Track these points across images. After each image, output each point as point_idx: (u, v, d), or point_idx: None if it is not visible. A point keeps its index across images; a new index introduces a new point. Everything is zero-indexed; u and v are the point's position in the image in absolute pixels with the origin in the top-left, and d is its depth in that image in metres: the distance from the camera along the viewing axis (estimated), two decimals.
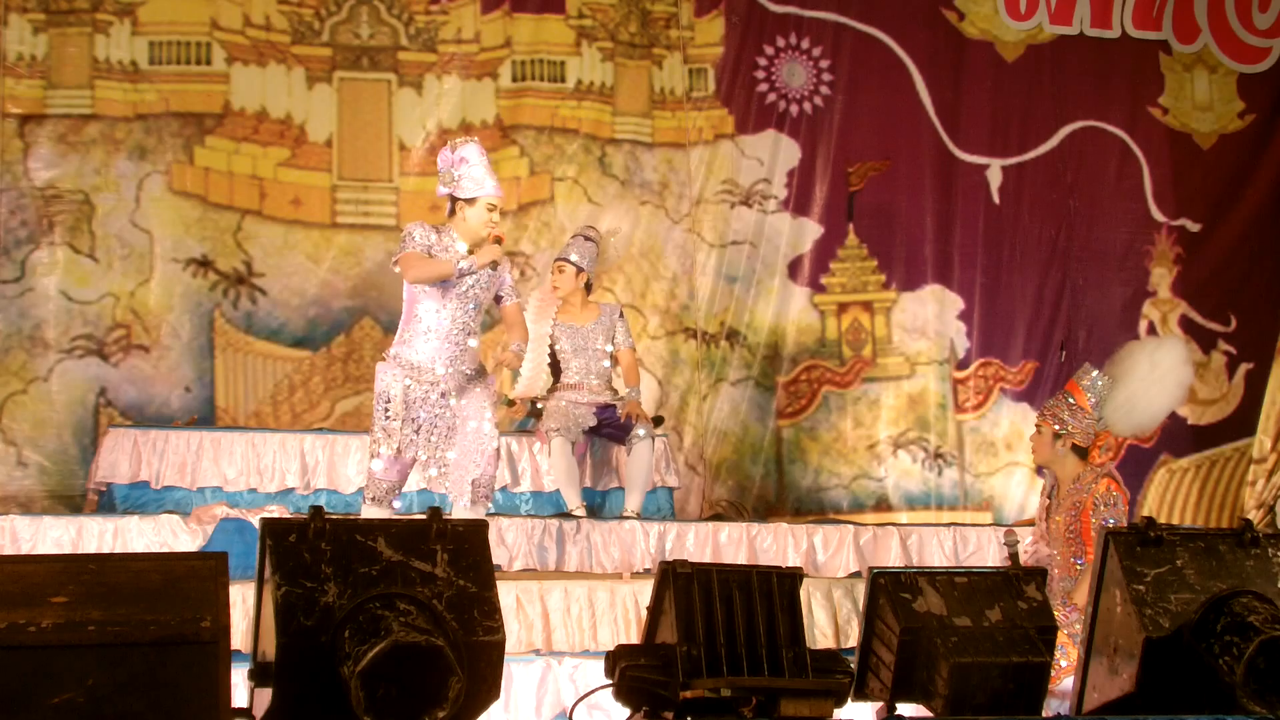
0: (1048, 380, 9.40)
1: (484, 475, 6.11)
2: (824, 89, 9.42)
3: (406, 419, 6.06)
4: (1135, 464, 9.38)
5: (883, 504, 9.21)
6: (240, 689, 3.10)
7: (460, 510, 6.05)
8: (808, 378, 9.31)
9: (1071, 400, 6.06)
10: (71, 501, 7.92)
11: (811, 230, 9.38)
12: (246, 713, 3.02)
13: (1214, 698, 3.37)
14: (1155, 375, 6.17)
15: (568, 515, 7.31)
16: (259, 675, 3.02)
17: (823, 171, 9.38)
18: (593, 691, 3.76)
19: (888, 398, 9.37)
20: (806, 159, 9.37)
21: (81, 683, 2.65)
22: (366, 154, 8.80)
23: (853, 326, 9.41)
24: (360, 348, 8.64)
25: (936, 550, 7.70)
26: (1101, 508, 5.81)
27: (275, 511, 6.85)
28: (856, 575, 7.30)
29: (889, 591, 3.58)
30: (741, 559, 7.31)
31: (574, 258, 7.72)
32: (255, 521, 6.14)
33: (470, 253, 6.11)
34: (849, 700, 3.58)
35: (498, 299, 6.35)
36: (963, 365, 9.48)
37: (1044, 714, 3.63)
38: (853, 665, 3.64)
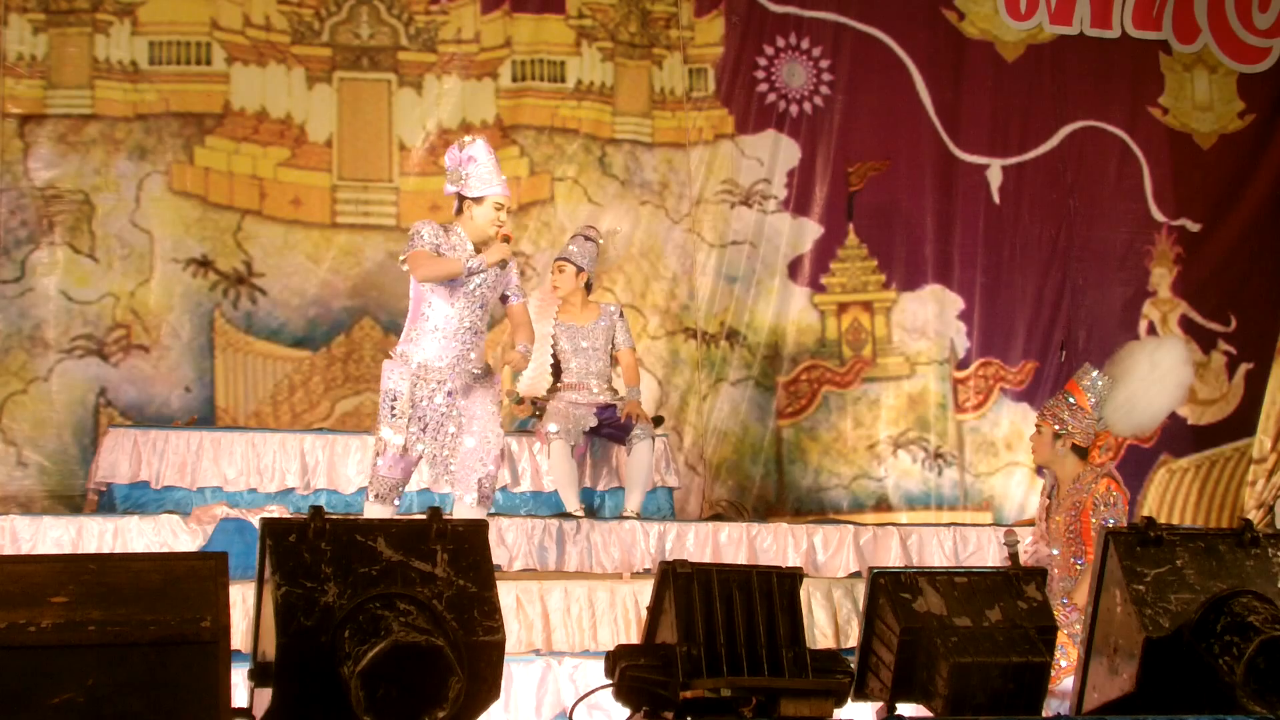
0: (1048, 380, 9.40)
1: (488, 475, 6.12)
2: (824, 89, 9.43)
3: (413, 417, 6.06)
4: (1135, 464, 9.38)
5: (883, 504, 9.22)
6: (240, 689, 3.10)
7: (465, 509, 6.05)
8: (808, 378, 9.31)
9: (1071, 400, 6.06)
10: (71, 501, 7.92)
11: (811, 230, 9.39)
12: (246, 713, 3.02)
13: (1214, 698, 3.37)
14: (1155, 375, 6.17)
15: (567, 515, 7.31)
16: (259, 675, 3.02)
17: (823, 171, 9.38)
18: (593, 691, 3.76)
19: (888, 398, 9.37)
20: (806, 159, 9.37)
21: (81, 683, 2.65)
22: (366, 154, 8.80)
23: (853, 326, 9.41)
24: (360, 348, 8.64)
25: (936, 550, 7.70)
26: (1101, 508, 5.81)
27: (275, 511, 6.84)
28: (856, 575, 7.30)
29: (889, 591, 3.58)
30: (741, 559, 7.31)
31: (574, 257, 7.72)
32: (255, 521, 6.14)
33: (478, 251, 6.12)
34: (849, 700, 3.58)
35: (504, 298, 6.35)
36: (963, 365, 9.48)
37: (1044, 714, 3.63)
38: (853, 665, 3.63)
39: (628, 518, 7.38)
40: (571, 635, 6.33)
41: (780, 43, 9.41)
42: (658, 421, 7.97)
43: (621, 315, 7.81)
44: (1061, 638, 5.13)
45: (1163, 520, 5.61)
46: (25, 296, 8.16)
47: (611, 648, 3.56)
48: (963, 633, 3.53)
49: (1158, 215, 9.74)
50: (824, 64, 9.43)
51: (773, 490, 9.17)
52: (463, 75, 8.95)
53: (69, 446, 8.10)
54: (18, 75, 8.25)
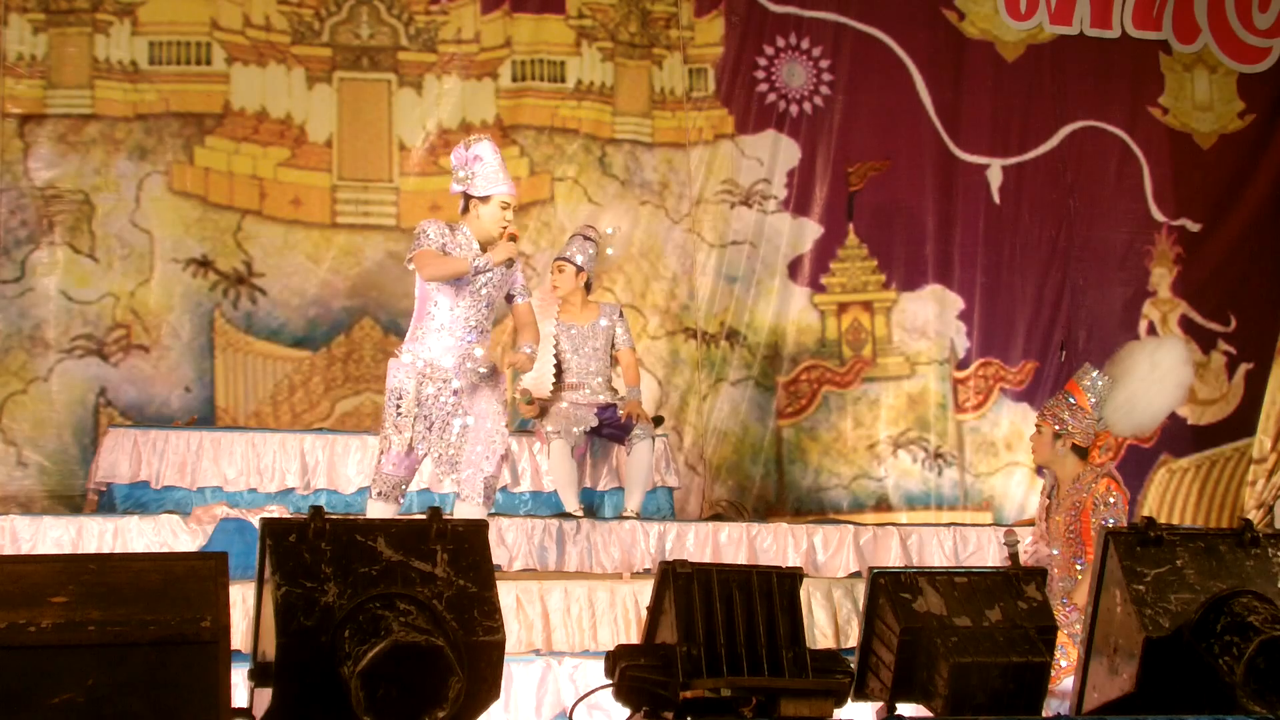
0: (1048, 380, 9.40)
1: (491, 475, 6.13)
2: (824, 89, 9.43)
3: (419, 416, 6.06)
4: (1135, 464, 9.38)
5: (883, 504, 9.22)
6: (240, 689, 3.10)
7: (468, 509, 6.05)
8: (808, 378, 9.31)
9: (1072, 400, 6.06)
10: (71, 501, 7.92)
11: (811, 230, 9.39)
12: (246, 713, 3.02)
13: (1214, 698, 3.37)
14: (1155, 375, 6.17)
15: (567, 516, 7.31)
16: (259, 675, 3.02)
17: (823, 171, 9.38)
18: (593, 691, 3.76)
19: (888, 398, 9.37)
20: (806, 159, 9.37)
21: (81, 683, 2.65)
22: (366, 154, 8.80)
23: (853, 326, 9.41)
24: (360, 348, 8.64)
25: (936, 550, 7.70)
26: (1101, 508, 5.81)
27: (275, 511, 6.85)
28: (856, 575, 7.30)
29: (889, 591, 3.58)
30: (741, 559, 7.31)
31: (574, 257, 7.72)
32: (255, 521, 6.14)
33: (484, 250, 6.12)
34: (849, 700, 3.58)
35: (509, 297, 6.35)
36: (963, 365, 9.48)
37: (1044, 714, 3.63)
38: (853, 665, 3.63)
39: (627, 518, 7.39)
40: (571, 635, 6.33)
41: (780, 43, 9.41)
42: (658, 421, 7.97)
43: (622, 315, 7.81)
44: (1061, 638, 5.13)
45: (1163, 520, 5.61)
46: (25, 296, 8.17)
47: (611, 648, 3.56)
48: (963, 633, 3.53)
49: (1158, 215, 9.74)
50: (824, 64, 9.43)
51: (773, 490, 9.17)
52: (463, 75, 8.95)
53: (69, 446, 8.10)
54: (18, 75, 8.25)
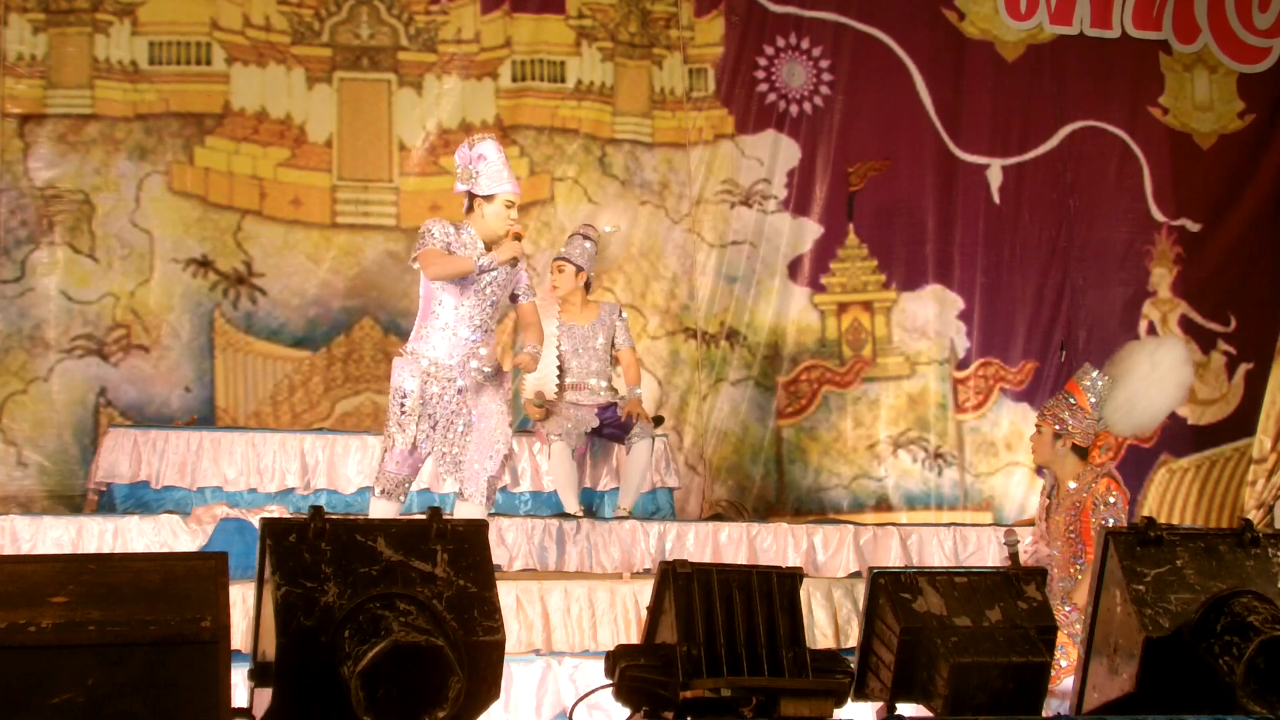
0: (1048, 380, 9.40)
1: (494, 475, 6.14)
2: (824, 89, 9.43)
3: (423, 415, 6.07)
4: (1135, 464, 9.38)
5: (883, 504, 9.22)
6: (240, 689, 3.10)
7: (469, 509, 6.05)
8: (808, 378, 9.31)
9: (1072, 400, 6.06)
10: (71, 501, 7.92)
11: (811, 230, 9.39)
12: (246, 713, 3.02)
13: (1214, 698, 3.37)
14: (1155, 375, 6.16)
15: (567, 516, 7.31)
16: (259, 675, 3.02)
17: (823, 171, 9.38)
18: (593, 691, 3.76)
19: (888, 398, 9.37)
20: (806, 159, 9.38)
21: (81, 683, 2.65)
22: (366, 154, 8.80)
23: (853, 326, 9.41)
24: (360, 348, 8.64)
25: (936, 550, 7.70)
26: (1101, 507, 5.80)
27: (275, 511, 6.84)
28: (856, 575, 7.30)
29: (889, 591, 3.58)
30: (741, 559, 7.31)
31: (573, 257, 7.72)
32: (255, 521, 6.14)
33: (488, 249, 6.12)
34: (849, 700, 3.57)
35: (513, 297, 6.35)
36: (963, 365, 9.48)
37: (1044, 714, 3.63)
38: (853, 665, 3.63)
39: (620, 516, 7.38)
40: (571, 635, 6.33)
41: (780, 43, 9.41)
42: (658, 421, 7.97)
43: (622, 315, 7.81)
44: (1061, 638, 5.13)
45: (1163, 520, 5.61)
46: (25, 296, 8.17)
47: (611, 648, 3.56)
48: (963, 633, 3.53)
49: (1158, 215, 9.74)
50: (824, 64, 9.43)
51: (773, 490, 9.17)
52: (463, 75, 8.95)
53: (69, 446, 8.10)
54: (18, 75, 8.25)
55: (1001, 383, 9.50)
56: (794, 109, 9.40)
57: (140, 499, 7.35)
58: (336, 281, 8.67)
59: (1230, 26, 9.88)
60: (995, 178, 9.61)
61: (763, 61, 9.38)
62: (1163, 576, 3.46)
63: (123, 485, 7.39)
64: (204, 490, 7.39)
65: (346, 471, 7.53)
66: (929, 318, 9.46)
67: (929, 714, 3.59)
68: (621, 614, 6.42)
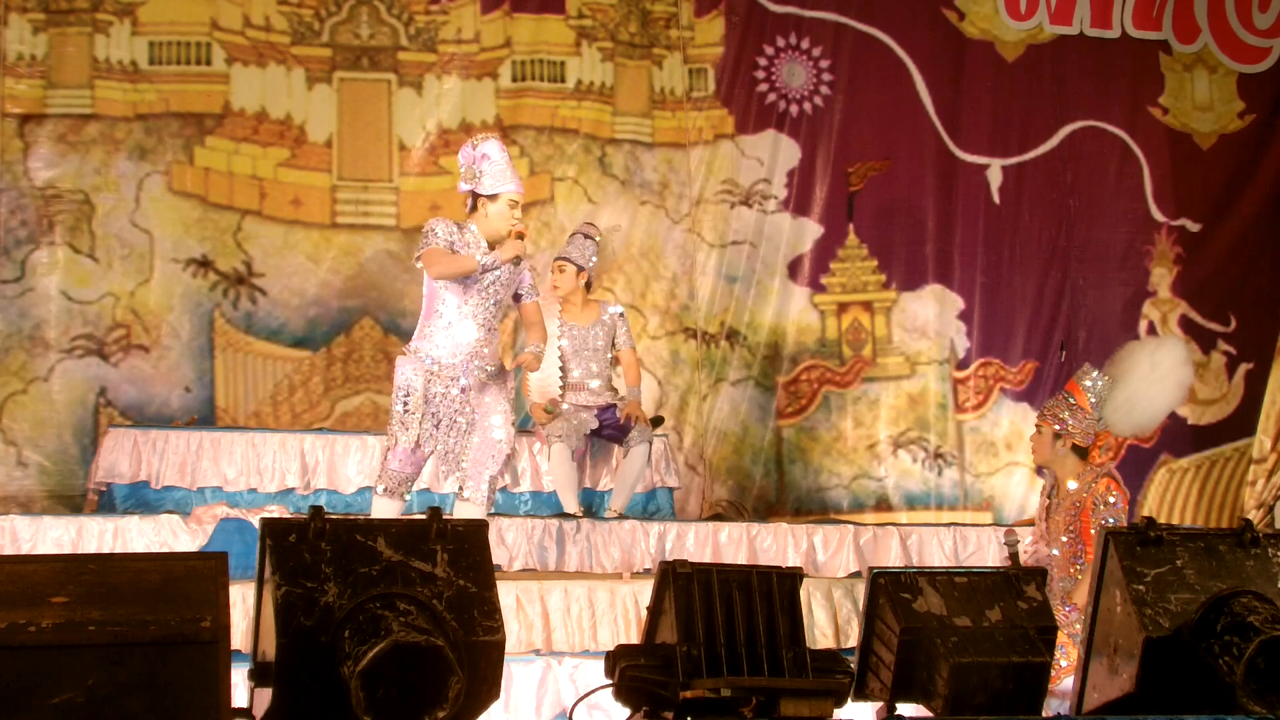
0: (1048, 380, 9.40)
1: (495, 475, 6.14)
2: (824, 89, 9.43)
3: (426, 413, 6.08)
4: (1135, 464, 9.38)
5: (883, 504, 9.22)
6: (240, 689, 3.10)
7: (469, 509, 6.06)
8: (808, 378, 9.31)
9: (1072, 400, 6.06)
10: (71, 501, 7.92)
11: (811, 230, 9.39)
12: (246, 713, 3.02)
13: (1214, 698, 3.37)
14: (1155, 375, 6.16)
15: (567, 516, 7.31)
16: (259, 675, 3.02)
17: (823, 171, 9.38)
18: (593, 691, 3.76)
19: (888, 398, 9.37)
20: (806, 159, 9.38)
21: (81, 683, 2.65)
22: (366, 154, 8.80)
23: (853, 326, 9.41)
24: (360, 348, 8.64)
25: (936, 550, 7.70)
26: (1101, 507, 5.80)
27: (275, 511, 6.84)
28: (856, 575, 7.30)
29: (889, 591, 3.58)
30: (741, 559, 7.31)
31: (574, 257, 7.71)
32: (255, 521, 6.14)
33: (491, 248, 6.13)
34: (849, 700, 3.57)
35: (517, 297, 6.36)
36: (963, 365, 9.48)
37: (1044, 714, 3.63)
38: (853, 665, 3.63)
39: (610, 517, 7.38)
40: (571, 635, 6.33)
41: (780, 43, 9.41)
42: (657, 422, 7.97)
43: (622, 315, 7.81)
44: (1061, 638, 5.13)
45: (1163, 520, 5.60)
46: (25, 296, 8.17)
47: (611, 648, 3.56)
48: (963, 633, 3.53)
49: (1158, 215, 9.74)
50: (824, 64, 9.43)
51: (773, 490, 9.17)
52: (463, 75, 8.95)
53: (69, 446, 8.10)
54: (18, 75, 8.25)
55: (1001, 383, 9.50)
56: (794, 109, 9.40)
57: (140, 499, 7.35)
58: (336, 281, 8.67)
59: (1230, 26, 9.89)
60: (995, 178, 9.61)
61: (763, 61, 9.38)
62: (1163, 576, 3.46)
63: (123, 485, 7.39)
64: (204, 490, 7.39)
65: (346, 471, 7.53)
66: (929, 318, 9.46)
67: (929, 714, 3.59)
68: (621, 614, 6.43)
